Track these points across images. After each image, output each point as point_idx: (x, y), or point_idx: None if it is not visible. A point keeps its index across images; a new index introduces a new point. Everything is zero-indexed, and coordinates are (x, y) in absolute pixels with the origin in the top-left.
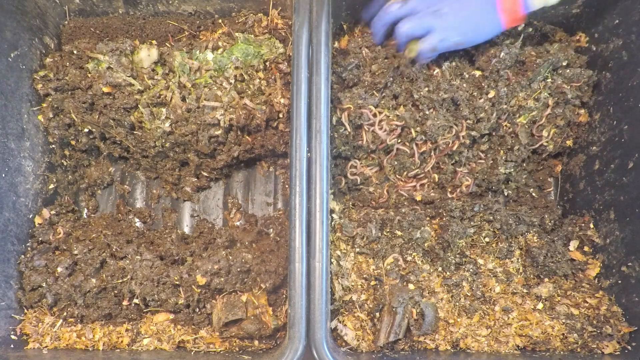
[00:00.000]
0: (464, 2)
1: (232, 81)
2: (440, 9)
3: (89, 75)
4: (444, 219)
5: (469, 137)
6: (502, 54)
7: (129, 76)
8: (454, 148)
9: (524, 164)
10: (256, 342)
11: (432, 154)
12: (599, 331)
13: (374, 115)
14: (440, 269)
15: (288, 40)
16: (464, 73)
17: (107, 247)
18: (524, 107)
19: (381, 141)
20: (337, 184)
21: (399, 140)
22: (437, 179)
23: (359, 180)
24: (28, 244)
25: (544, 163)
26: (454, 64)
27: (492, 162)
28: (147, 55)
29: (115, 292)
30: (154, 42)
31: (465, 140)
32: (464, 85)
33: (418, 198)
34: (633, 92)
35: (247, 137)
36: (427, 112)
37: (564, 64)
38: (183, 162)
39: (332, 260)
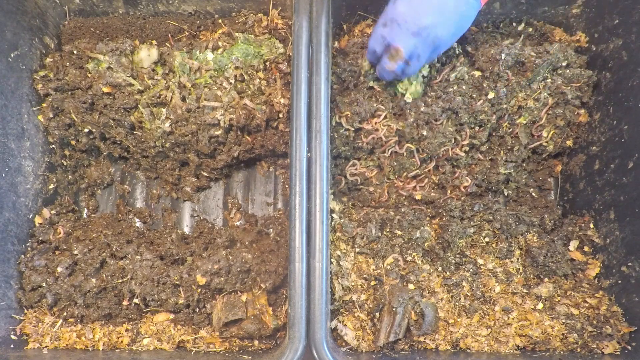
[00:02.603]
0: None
1: (232, 81)
2: (421, 26)
3: (89, 75)
4: (444, 218)
5: (469, 145)
6: (503, 55)
7: (129, 76)
8: (454, 155)
9: (524, 164)
10: (256, 342)
11: (432, 157)
12: (599, 331)
13: (374, 125)
14: (440, 269)
15: (288, 40)
16: (465, 75)
17: (107, 247)
18: (523, 107)
19: (381, 144)
20: (337, 184)
21: (400, 143)
22: (437, 180)
23: (359, 181)
24: (28, 244)
25: (544, 163)
26: (454, 73)
27: (491, 162)
28: (147, 55)
29: (115, 292)
30: (154, 42)
31: (465, 148)
32: (463, 87)
33: (418, 197)
34: (633, 92)
35: (247, 137)
36: (424, 133)
37: (564, 64)
38: (183, 162)
39: (332, 260)
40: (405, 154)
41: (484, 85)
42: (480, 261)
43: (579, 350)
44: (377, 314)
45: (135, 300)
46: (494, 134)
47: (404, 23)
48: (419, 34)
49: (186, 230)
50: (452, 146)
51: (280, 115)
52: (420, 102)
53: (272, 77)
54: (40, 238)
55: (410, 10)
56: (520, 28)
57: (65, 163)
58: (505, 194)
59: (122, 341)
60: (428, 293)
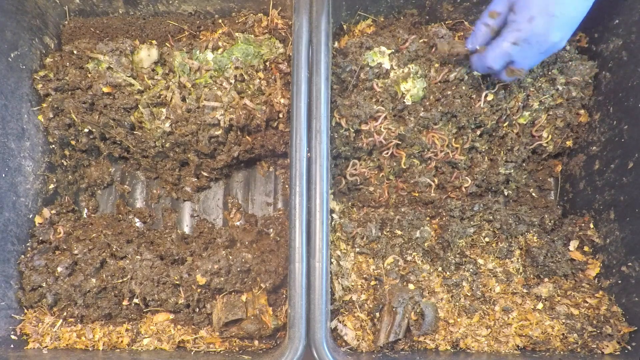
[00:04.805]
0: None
1: (232, 81)
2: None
3: (89, 75)
4: (444, 218)
5: (469, 146)
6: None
7: (129, 76)
8: (455, 158)
9: (524, 164)
10: (256, 342)
11: (432, 158)
12: (599, 331)
13: (374, 128)
14: (440, 269)
15: (288, 40)
16: (464, 75)
17: (107, 247)
18: (523, 107)
19: (381, 145)
20: (337, 184)
21: (400, 146)
22: (437, 181)
23: (358, 181)
24: (28, 244)
25: (544, 163)
26: (453, 73)
27: (491, 162)
28: (147, 55)
29: (115, 292)
30: (154, 42)
31: (464, 152)
32: (462, 88)
33: (416, 194)
34: (633, 92)
35: (247, 137)
36: (423, 141)
37: (564, 63)
38: (183, 162)
39: (332, 260)
40: (404, 157)
41: (483, 86)
42: (480, 261)
43: (579, 350)
44: (377, 314)
45: (135, 300)
46: (493, 134)
47: (536, 43)
48: (547, 51)
49: (186, 230)
50: (452, 149)
51: (280, 115)
52: (420, 106)
53: (272, 77)
54: (40, 238)
55: (546, 29)
56: None
57: (65, 163)
58: (505, 194)
59: (122, 341)
60: (428, 293)
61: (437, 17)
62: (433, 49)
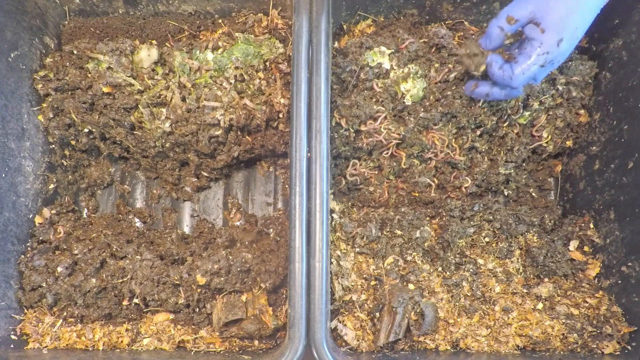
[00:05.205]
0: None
1: (232, 81)
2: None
3: (89, 75)
4: (444, 218)
5: (469, 146)
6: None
7: (129, 76)
8: (455, 158)
9: (524, 164)
10: (256, 342)
11: (432, 158)
12: (599, 331)
13: (374, 129)
14: (440, 269)
15: (288, 40)
16: (465, 75)
17: (107, 247)
18: (523, 107)
19: (381, 145)
20: (337, 184)
21: (400, 146)
22: (436, 181)
23: (358, 181)
24: (28, 244)
25: (544, 163)
26: (453, 73)
27: (491, 162)
28: (147, 55)
29: (115, 292)
30: (154, 42)
31: (464, 152)
32: (463, 87)
33: (416, 194)
34: (633, 92)
35: (247, 137)
36: (423, 141)
37: (564, 63)
38: (183, 162)
39: (332, 260)
40: (404, 157)
41: None
42: (480, 261)
43: (579, 350)
44: (377, 314)
45: (135, 300)
46: (493, 134)
47: (557, 62)
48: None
49: (186, 230)
50: (452, 150)
51: (280, 115)
52: (420, 106)
53: (272, 77)
54: (40, 238)
55: (569, 49)
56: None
57: (65, 163)
58: (505, 194)
59: (122, 341)
60: (428, 293)
61: (437, 17)
62: (459, 44)
